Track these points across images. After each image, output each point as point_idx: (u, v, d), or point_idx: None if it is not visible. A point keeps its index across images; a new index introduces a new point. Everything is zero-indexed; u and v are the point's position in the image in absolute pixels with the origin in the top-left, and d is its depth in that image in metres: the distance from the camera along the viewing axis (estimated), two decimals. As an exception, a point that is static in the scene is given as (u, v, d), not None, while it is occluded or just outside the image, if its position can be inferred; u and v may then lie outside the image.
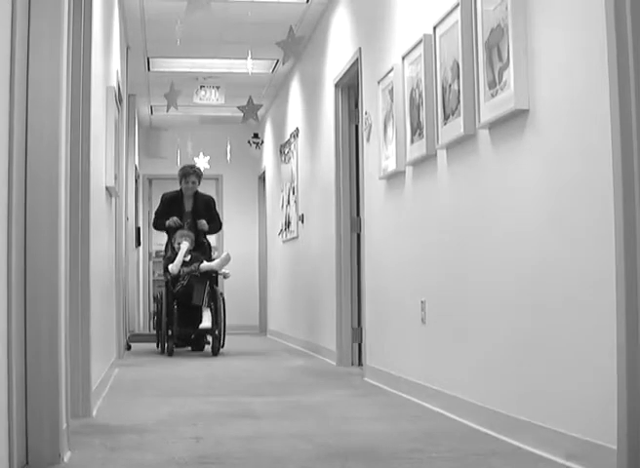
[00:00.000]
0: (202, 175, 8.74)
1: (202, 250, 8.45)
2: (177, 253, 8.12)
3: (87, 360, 4.18)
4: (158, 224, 8.67)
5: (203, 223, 8.45)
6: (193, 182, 8.58)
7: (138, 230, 10.92)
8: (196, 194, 8.66)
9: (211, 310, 8.04)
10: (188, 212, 8.57)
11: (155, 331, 8.69)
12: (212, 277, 8.22)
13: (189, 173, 8.57)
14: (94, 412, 4.30)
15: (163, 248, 9.07)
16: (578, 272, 3.03)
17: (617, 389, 2.69)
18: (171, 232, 8.45)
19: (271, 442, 3.59)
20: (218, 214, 8.85)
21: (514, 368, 3.56)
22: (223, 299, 8.33)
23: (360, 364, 6.62)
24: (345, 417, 4.29)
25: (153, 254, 13.47)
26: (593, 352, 2.92)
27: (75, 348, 3.95)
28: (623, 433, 2.65)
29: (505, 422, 3.58)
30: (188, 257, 8.12)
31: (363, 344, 6.35)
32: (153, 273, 13.43)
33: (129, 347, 8.66)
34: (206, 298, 8.02)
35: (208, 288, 8.10)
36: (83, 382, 4.12)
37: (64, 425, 3.11)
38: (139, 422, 4.08)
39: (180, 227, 8.38)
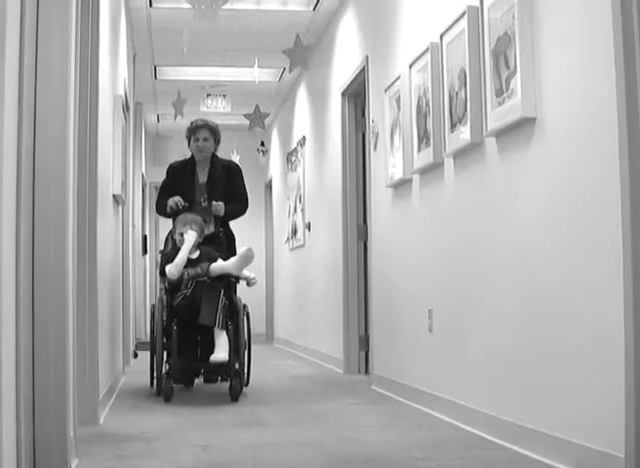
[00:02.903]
0: (219, 132, 6.05)
1: (217, 243, 5.85)
2: (178, 250, 5.45)
3: (94, 368, 4.18)
4: (159, 206, 6.00)
5: (217, 207, 5.80)
6: (205, 139, 5.91)
7: (144, 238, 10.92)
8: (213, 160, 5.99)
9: (228, 333, 5.23)
10: (202, 184, 5.93)
11: (149, 360, 5.67)
12: (229, 283, 5.56)
13: (199, 126, 5.97)
14: (101, 420, 4.30)
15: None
16: (585, 281, 3.02)
17: (624, 397, 2.68)
18: (174, 217, 5.79)
19: (279, 450, 3.58)
20: (244, 189, 6.05)
21: (522, 376, 3.55)
22: (248, 315, 5.67)
23: (367, 372, 6.61)
24: (353, 425, 4.28)
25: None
26: (601, 360, 2.91)
27: (82, 356, 3.95)
28: (631, 441, 2.64)
29: (514, 431, 3.57)
30: (195, 255, 5.46)
31: (370, 352, 6.34)
32: (161, 282, 13.45)
33: (136, 355, 8.66)
34: (220, 316, 5.19)
35: (223, 299, 5.28)
36: (90, 390, 4.12)
37: (72, 433, 3.11)
38: (145, 430, 4.08)
39: (185, 210, 5.73)
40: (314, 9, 7.55)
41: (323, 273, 8.17)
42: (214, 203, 5.77)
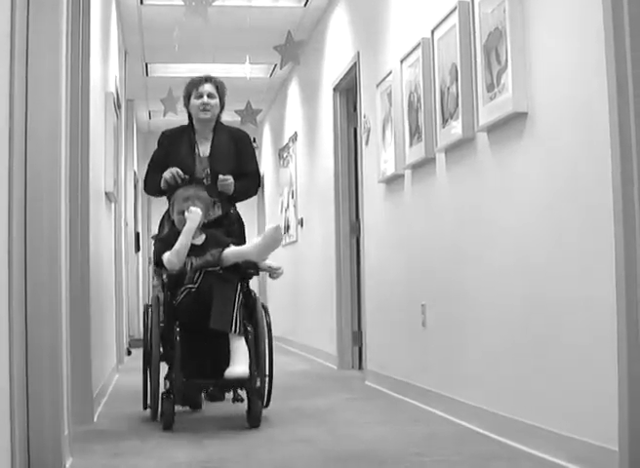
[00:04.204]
0: (226, 91, 4.85)
1: (226, 226, 4.72)
2: (177, 233, 4.24)
3: (87, 366, 4.17)
4: (150, 183, 4.81)
5: (225, 182, 4.62)
6: (211, 96, 4.72)
7: (137, 235, 10.91)
8: (217, 127, 4.81)
9: (247, 341, 4.06)
10: (204, 157, 4.73)
11: (142, 374, 4.37)
12: (246, 275, 4.30)
13: (202, 79, 4.80)
14: (95, 418, 4.30)
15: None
16: (578, 276, 3.03)
17: (618, 391, 2.69)
18: (170, 194, 4.55)
19: (274, 446, 3.58)
20: (256, 164, 4.97)
21: (516, 370, 3.56)
22: (268, 316, 4.35)
23: (361, 367, 6.61)
24: (347, 421, 4.29)
25: (153, 259, 13.47)
26: (595, 354, 2.92)
27: (76, 354, 3.95)
28: (625, 435, 2.65)
29: (508, 425, 3.58)
30: (200, 239, 4.30)
31: (364, 348, 6.35)
32: (153, 278, 13.42)
33: (129, 352, 8.65)
34: (237, 318, 4.01)
35: (240, 296, 4.12)
36: (84, 388, 4.12)
37: (66, 431, 3.11)
38: (140, 428, 4.08)
39: (185, 183, 4.56)
40: (305, 5, 7.54)
41: (316, 269, 8.17)
42: (220, 177, 4.60)
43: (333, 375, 6.64)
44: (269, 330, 4.29)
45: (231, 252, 4.18)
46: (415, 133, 4.82)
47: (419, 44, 4.70)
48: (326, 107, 7.59)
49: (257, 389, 4.10)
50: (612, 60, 2.72)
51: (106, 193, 5.73)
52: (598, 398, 2.89)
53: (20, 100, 2.83)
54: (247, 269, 4.25)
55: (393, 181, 5.39)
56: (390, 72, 5.35)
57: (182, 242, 4.16)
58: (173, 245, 4.17)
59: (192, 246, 4.19)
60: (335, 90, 7.20)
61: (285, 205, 10.05)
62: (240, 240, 4.63)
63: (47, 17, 2.99)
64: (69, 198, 3.48)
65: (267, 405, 4.27)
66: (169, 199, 4.57)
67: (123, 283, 8.18)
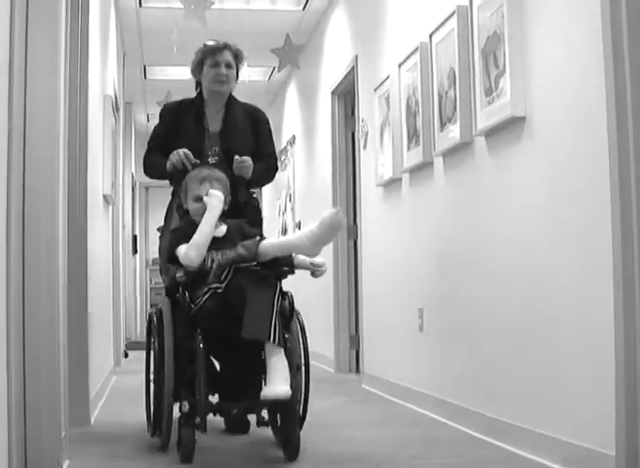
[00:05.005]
0: (243, 60, 4.22)
1: (250, 214, 3.97)
2: (194, 225, 3.49)
3: (85, 367, 4.18)
4: (150, 162, 4.08)
5: (243, 163, 3.88)
6: (229, 66, 4.09)
7: (134, 238, 10.91)
8: (231, 101, 4.17)
9: (287, 353, 3.27)
10: (214, 133, 4.08)
11: (145, 398, 3.79)
12: (281, 274, 3.48)
13: (219, 47, 4.10)
14: (92, 420, 4.30)
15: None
16: (577, 280, 3.03)
17: (614, 395, 2.69)
18: (177, 179, 3.87)
19: (269, 449, 3.58)
20: (274, 146, 4.32)
21: (513, 374, 3.56)
22: (302, 324, 3.59)
23: (357, 371, 6.61)
24: (344, 424, 4.29)
25: (150, 262, 13.45)
26: (591, 358, 2.92)
27: (73, 356, 3.94)
28: (622, 439, 2.65)
29: (503, 429, 3.58)
30: (222, 230, 3.56)
31: (360, 351, 6.35)
32: (150, 281, 13.40)
33: (126, 355, 8.65)
34: (277, 325, 3.23)
35: (280, 298, 3.37)
36: (81, 390, 4.12)
37: (63, 434, 3.11)
38: (137, 430, 4.07)
39: (195, 167, 3.78)
40: (304, 8, 7.55)
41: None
42: (237, 158, 3.85)
43: (330, 378, 6.63)
44: (305, 340, 3.48)
45: (271, 244, 3.35)
46: (413, 137, 4.83)
47: (417, 48, 4.71)
48: (324, 111, 7.60)
49: (294, 411, 3.34)
50: (610, 64, 2.72)
51: (104, 195, 5.73)
52: (595, 403, 2.89)
53: (19, 103, 2.83)
54: (285, 265, 3.46)
55: (391, 185, 5.40)
56: (388, 76, 5.36)
57: (204, 232, 3.42)
58: (189, 236, 3.42)
59: (213, 238, 3.46)
60: (333, 93, 7.21)
61: (282, 208, 10.05)
62: (261, 230, 3.97)
63: (45, 19, 2.99)
64: (67, 200, 3.48)
65: (301, 427, 3.43)
66: (172, 183, 3.98)
67: (120, 285, 8.18)
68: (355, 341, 6.81)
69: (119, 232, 7.81)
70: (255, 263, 3.29)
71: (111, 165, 6.22)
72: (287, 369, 3.20)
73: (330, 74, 7.40)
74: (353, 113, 6.79)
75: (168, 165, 3.87)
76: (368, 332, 6.09)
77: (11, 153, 2.67)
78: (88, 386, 4.21)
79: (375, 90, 5.69)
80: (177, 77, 9.79)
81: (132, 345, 9.55)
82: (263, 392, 3.16)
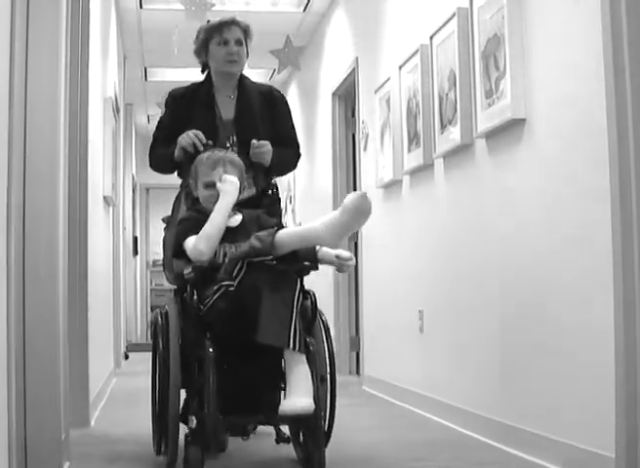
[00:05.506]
0: (252, 37, 3.81)
1: (267, 204, 3.58)
2: (205, 215, 3.09)
3: (85, 369, 4.18)
4: (157, 156, 3.68)
5: (261, 148, 3.51)
6: (239, 42, 3.71)
7: (135, 239, 10.92)
8: (242, 82, 3.77)
9: (310, 361, 2.92)
10: (228, 121, 3.68)
11: (151, 412, 3.39)
12: (302, 269, 3.10)
13: (227, 22, 3.72)
14: (92, 422, 4.30)
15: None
16: (575, 280, 3.03)
17: (614, 398, 2.69)
18: (187, 166, 3.41)
19: (269, 452, 3.57)
20: (294, 130, 3.89)
21: (512, 376, 3.56)
22: (327, 327, 3.26)
23: (358, 373, 6.61)
24: (345, 426, 4.26)
25: (150, 263, 13.44)
26: (591, 360, 2.92)
27: (73, 358, 3.95)
28: (622, 441, 2.65)
29: (504, 431, 3.58)
30: (236, 220, 3.17)
31: (361, 353, 6.35)
32: (151, 282, 13.38)
33: (127, 357, 8.65)
34: (298, 329, 2.87)
35: (301, 298, 3.00)
36: (81, 392, 4.12)
37: (63, 436, 3.11)
38: (137, 432, 4.07)
39: (207, 148, 3.38)
40: (304, 10, 7.55)
41: (314, 274, 8.14)
42: (255, 142, 3.49)
43: (330, 380, 6.62)
44: (330, 345, 3.16)
45: (288, 234, 2.92)
46: (413, 139, 4.83)
47: (417, 50, 4.71)
48: (324, 113, 7.60)
49: (319, 427, 2.96)
50: (610, 67, 2.73)
51: (105, 197, 5.73)
52: (595, 405, 2.89)
53: (20, 105, 2.83)
54: (304, 260, 3.03)
55: (391, 187, 5.40)
56: (389, 78, 5.36)
57: (216, 222, 3.00)
58: (199, 227, 3.00)
59: (227, 229, 3.05)
60: (333, 95, 7.21)
61: (283, 209, 10.06)
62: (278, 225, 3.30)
63: (46, 22, 2.99)
64: (68, 202, 3.48)
65: (326, 444, 3.05)
66: (181, 175, 3.58)
67: (121, 287, 8.18)
68: (356, 343, 6.80)
69: (119, 233, 7.81)
70: (271, 257, 2.86)
71: (112, 166, 6.22)
72: (309, 379, 2.82)
73: (330, 76, 7.41)
74: (354, 115, 6.79)
75: (176, 151, 3.48)
76: (368, 334, 6.09)
77: (11, 156, 2.67)
78: (88, 388, 4.20)
79: (375, 91, 5.69)
80: (177, 79, 9.80)
81: (132, 347, 9.55)
82: (282, 406, 2.79)
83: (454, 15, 4.09)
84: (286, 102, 3.81)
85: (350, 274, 6.93)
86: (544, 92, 3.29)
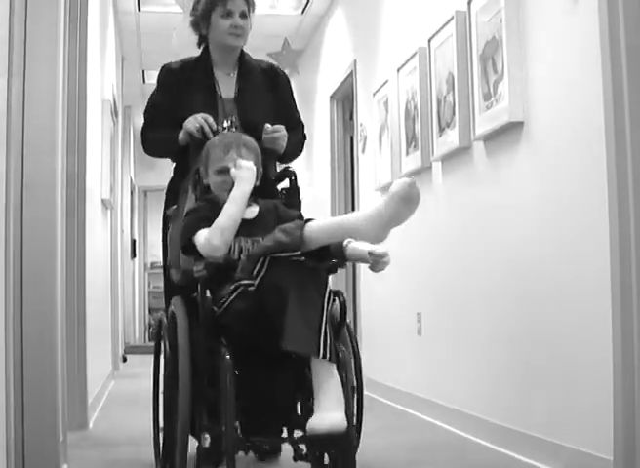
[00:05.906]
0: (254, 9, 3.50)
1: (286, 193, 3.34)
2: (217, 205, 2.69)
3: (83, 372, 4.17)
4: (152, 138, 3.36)
5: (275, 133, 3.19)
6: (243, 15, 3.42)
7: (133, 242, 10.92)
8: (243, 60, 3.50)
9: (340, 372, 2.39)
10: (228, 100, 3.36)
11: (152, 427, 3.04)
12: (332, 267, 2.83)
13: None
14: (90, 425, 4.30)
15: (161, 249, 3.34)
16: (573, 283, 3.03)
17: (612, 401, 2.69)
18: (194, 153, 3.00)
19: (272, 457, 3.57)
20: (297, 111, 3.64)
21: (511, 379, 3.56)
22: (352, 333, 2.91)
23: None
24: (342, 429, 4.27)
25: (149, 266, 13.43)
26: (590, 363, 2.92)
27: (72, 360, 3.95)
28: (620, 444, 2.65)
29: (503, 434, 3.58)
30: (252, 212, 2.79)
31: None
32: (149, 285, 13.37)
33: (125, 359, 8.64)
34: (329, 335, 2.37)
35: (332, 300, 2.58)
36: (79, 395, 4.12)
37: (61, 438, 3.11)
38: (135, 434, 4.07)
39: (215, 134, 3.00)
40: (302, 12, 7.56)
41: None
42: (268, 127, 3.17)
43: (328, 383, 6.61)
44: (357, 351, 2.83)
45: (321, 227, 2.50)
46: (411, 141, 4.83)
47: (415, 53, 4.71)
48: (323, 115, 7.60)
49: (355, 449, 2.57)
50: (608, 69, 2.73)
51: (103, 200, 5.73)
52: (594, 409, 2.89)
53: (18, 108, 2.83)
54: (334, 257, 2.71)
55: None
56: (387, 81, 5.36)
57: (231, 213, 2.63)
58: (211, 219, 2.62)
59: (242, 222, 2.67)
60: (331, 98, 7.22)
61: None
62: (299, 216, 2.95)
63: (44, 24, 3.00)
64: (66, 205, 3.48)
65: None
66: (191, 160, 3.05)
67: (119, 289, 8.18)
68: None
69: (117, 236, 7.81)
70: (299, 253, 2.43)
71: (110, 169, 6.22)
72: (341, 392, 2.36)
73: (328, 78, 7.41)
74: (352, 117, 6.79)
75: (181, 135, 3.14)
76: (366, 337, 6.09)
77: (9, 158, 2.67)
78: (86, 390, 4.20)
79: (373, 94, 5.70)
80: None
81: (130, 350, 9.56)
82: (312, 423, 2.30)
83: (452, 18, 4.09)
84: (288, 81, 3.57)
85: (348, 277, 6.94)
86: (542, 95, 3.29)
